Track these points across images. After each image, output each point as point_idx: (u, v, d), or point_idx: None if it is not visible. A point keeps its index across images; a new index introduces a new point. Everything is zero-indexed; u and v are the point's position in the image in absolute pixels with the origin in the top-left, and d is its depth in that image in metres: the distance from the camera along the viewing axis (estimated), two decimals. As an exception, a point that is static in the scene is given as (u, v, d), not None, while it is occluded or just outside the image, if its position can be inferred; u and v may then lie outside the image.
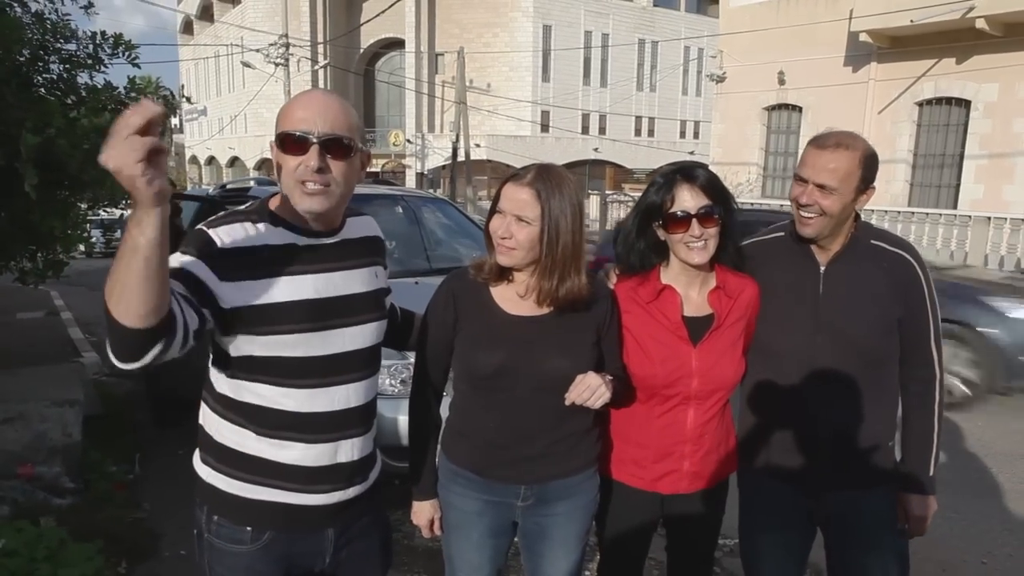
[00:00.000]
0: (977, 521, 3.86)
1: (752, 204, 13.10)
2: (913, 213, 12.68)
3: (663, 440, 1.90)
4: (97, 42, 4.14)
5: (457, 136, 28.55)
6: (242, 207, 1.58)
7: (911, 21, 12.76)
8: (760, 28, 15.76)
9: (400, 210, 5.17)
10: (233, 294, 1.43)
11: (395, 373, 3.36)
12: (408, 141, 36.31)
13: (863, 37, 13.89)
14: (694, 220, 1.77)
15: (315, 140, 1.44)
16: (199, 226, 1.49)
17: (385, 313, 1.72)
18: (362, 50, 39.31)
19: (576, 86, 38.51)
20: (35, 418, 3.81)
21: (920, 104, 13.98)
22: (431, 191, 14.79)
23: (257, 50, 26.36)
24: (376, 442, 1.75)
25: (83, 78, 4.20)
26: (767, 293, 1.93)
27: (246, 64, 27.58)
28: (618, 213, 19.88)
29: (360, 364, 1.61)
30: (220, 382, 1.55)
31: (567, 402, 1.66)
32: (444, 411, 1.91)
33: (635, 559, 2.06)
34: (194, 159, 51.70)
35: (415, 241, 4.93)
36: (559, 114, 37.46)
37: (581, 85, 38.86)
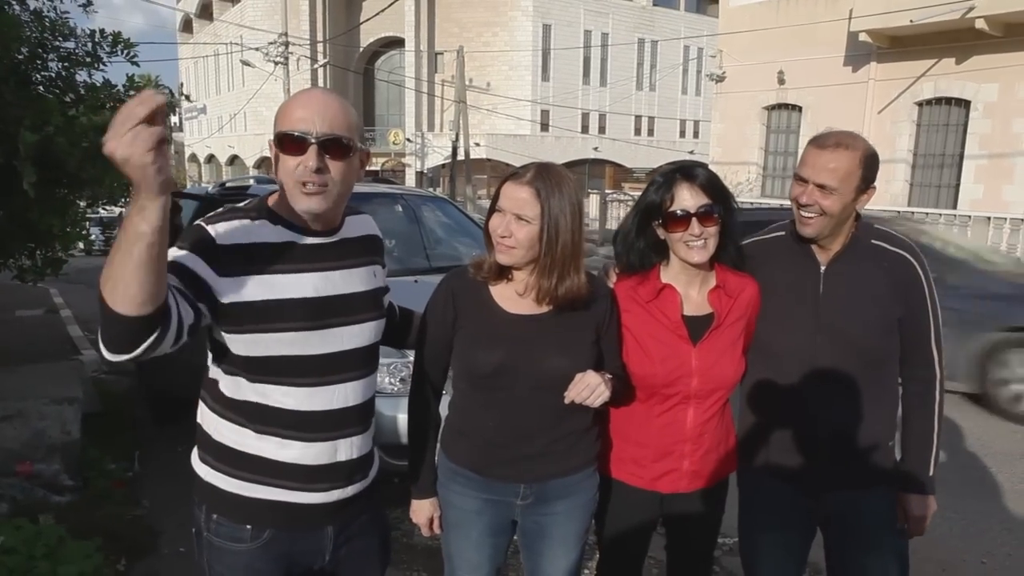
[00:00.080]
0: (976, 521, 3.86)
1: (755, 203, 13.11)
2: (913, 213, 12.68)
3: (663, 439, 1.90)
4: (96, 40, 4.15)
5: (457, 135, 28.54)
6: (240, 204, 1.58)
7: (911, 21, 12.76)
8: (760, 28, 15.76)
9: (400, 209, 5.17)
10: (231, 289, 1.43)
11: (395, 371, 3.36)
12: (408, 140, 36.29)
13: (863, 37, 13.89)
14: (694, 219, 1.77)
15: (314, 140, 1.43)
16: (197, 222, 1.48)
17: (384, 312, 1.72)
18: (362, 49, 39.30)
19: (576, 85, 38.52)
20: (34, 416, 3.81)
21: (920, 104, 13.99)
22: (431, 190, 14.81)
23: (256, 48, 26.34)
24: (375, 440, 1.74)
25: (82, 76, 4.20)
26: (767, 292, 1.93)
27: (245, 63, 27.55)
28: (618, 212, 19.90)
29: (359, 363, 1.61)
30: (219, 381, 1.55)
31: (566, 401, 1.66)
32: (443, 409, 1.91)
33: (634, 558, 2.06)
34: (193, 157, 51.68)
35: (415, 240, 4.93)
36: (559, 113, 37.46)
37: (581, 84, 38.87)
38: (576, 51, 37.61)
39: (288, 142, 1.45)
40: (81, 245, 4.81)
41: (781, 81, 15.84)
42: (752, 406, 2.03)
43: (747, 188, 16.32)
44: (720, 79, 17.22)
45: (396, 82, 37.24)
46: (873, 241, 1.93)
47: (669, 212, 1.79)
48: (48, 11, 4.10)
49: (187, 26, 51.25)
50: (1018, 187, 12.72)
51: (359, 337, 1.60)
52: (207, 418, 1.58)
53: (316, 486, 1.56)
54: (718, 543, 2.16)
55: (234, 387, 1.52)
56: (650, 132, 41.73)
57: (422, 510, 1.89)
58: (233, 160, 44.73)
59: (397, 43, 38.48)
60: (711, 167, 1.90)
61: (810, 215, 1.85)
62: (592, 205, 20.79)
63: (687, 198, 1.78)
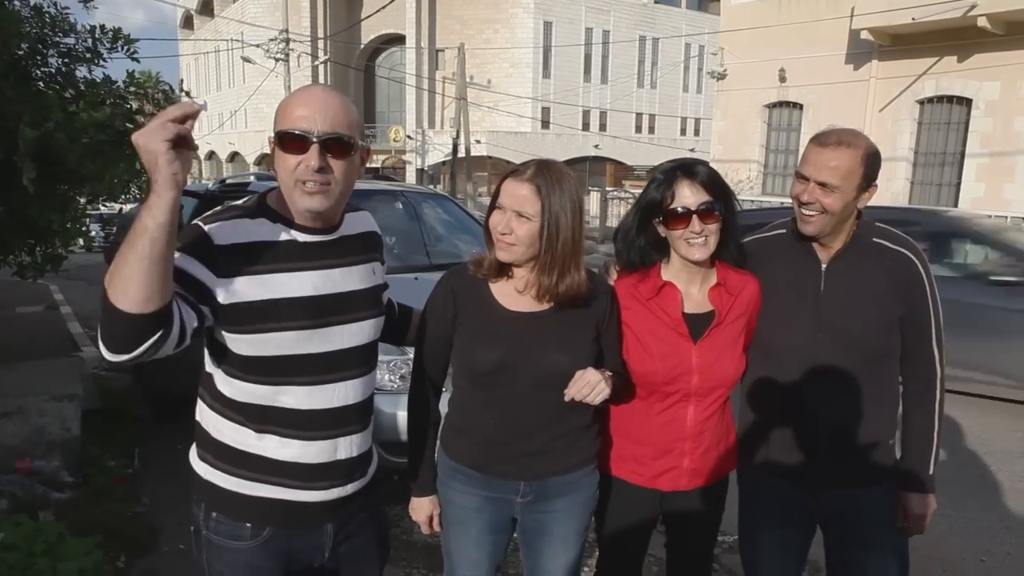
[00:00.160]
0: (976, 519, 3.86)
1: (756, 202, 13.10)
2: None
3: (663, 437, 1.90)
4: (96, 36, 4.14)
5: (457, 132, 28.53)
6: (239, 202, 1.57)
7: (912, 19, 12.74)
8: (761, 25, 15.74)
9: (400, 206, 5.17)
10: (230, 290, 1.42)
11: (394, 369, 3.36)
12: (408, 137, 36.26)
13: (864, 35, 13.87)
14: (694, 216, 1.76)
15: (315, 139, 1.43)
16: (195, 221, 1.47)
17: (383, 309, 1.71)
18: (362, 46, 39.26)
19: (577, 82, 38.47)
20: (34, 412, 3.81)
21: (921, 102, 13.97)
22: (431, 187, 14.80)
23: (257, 45, 26.34)
24: (375, 437, 1.74)
25: (82, 72, 4.19)
26: (768, 290, 1.92)
27: (246, 59, 27.57)
28: (618, 210, 19.90)
29: (358, 361, 1.61)
30: (218, 380, 1.54)
31: (566, 398, 1.66)
32: (443, 407, 1.90)
33: (634, 555, 2.06)
34: (195, 154, 51.54)
35: (415, 237, 4.93)
36: (559, 110, 37.43)
37: (582, 82, 38.83)
38: (577, 48, 37.57)
39: (289, 140, 1.44)
40: (81, 241, 4.80)
41: (782, 79, 15.82)
42: (752, 404, 2.03)
43: (748, 186, 16.32)
44: (721, 77, 17.21)
45: (397, 79, 37.20)
46: (874, 239, 1.92)
47: (670, 209, 1.78)
48: (48, 7, 4.09)
49: (188, 22, 51.20)
50: (1019, 186, 12.71)
51: (358, 335, 1.60)
52: (206, 416, 1.58)
53: (316, 484, 1.56)
54: (718, 541, 2.16)
55: (233, 386, 1.52)
56: (651, 130, 41.69)
57: (422, 508, 1.89)
58: (233, 157, 44.71)
59: (398, 40, 38.43)
60: (712, 165, 1.89)
61: (811, 213, 1.85)
62: (593, 203, 20.79)
63: (688, 195, 1.77)
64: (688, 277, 1.88)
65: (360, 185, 4.92)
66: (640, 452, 1.92)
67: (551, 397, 1.70)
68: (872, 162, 1.83)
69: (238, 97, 40.71)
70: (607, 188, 24.30)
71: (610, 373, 1.72)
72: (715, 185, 1.80)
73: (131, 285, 1.18)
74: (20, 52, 3.87)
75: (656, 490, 1.93)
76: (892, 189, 13.85)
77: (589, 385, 1.64)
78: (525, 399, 1.75)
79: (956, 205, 13.12)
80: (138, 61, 4.34)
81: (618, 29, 39.26)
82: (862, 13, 13.67)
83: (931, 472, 1.93)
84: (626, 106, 39.77)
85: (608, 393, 1.67)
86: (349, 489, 1.62)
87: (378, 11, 26.89)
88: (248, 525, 1.54)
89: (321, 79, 34.32)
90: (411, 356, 1.93)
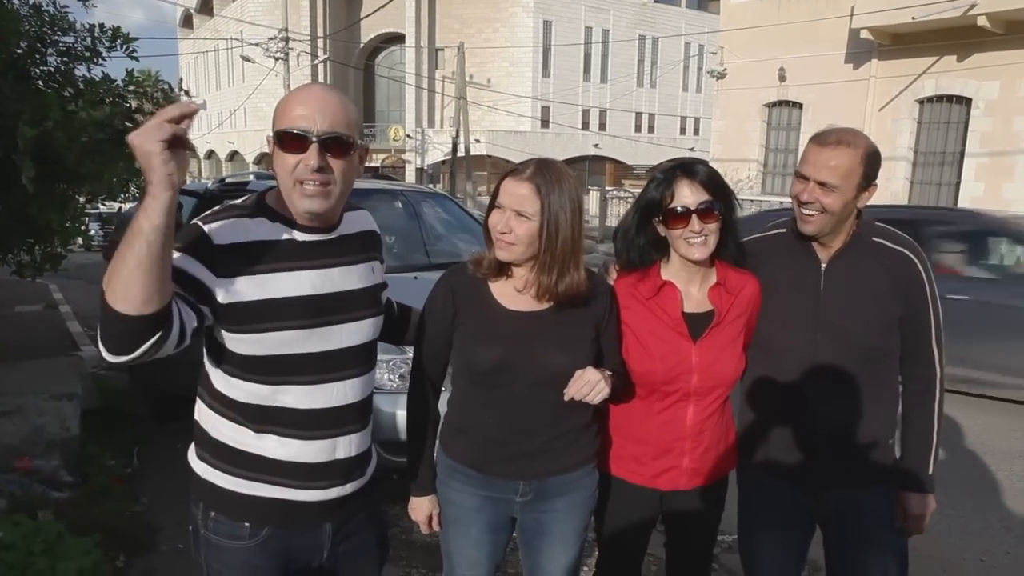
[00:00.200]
0: (976, 519, 3.86)
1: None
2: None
3: (663, 436, 1.89)
4: (95, 35, 4.13)
5: (457, 131, 28.51)
6: (238, 201, 1.56)
7: (912, 18, 12.75)
8: (761, 24, 15.74)
9: (399, 205, 5.16)
10: (229, 289, 1.42)
11: (394, 368, 3.36)
12: (408, 136, 36.24)
13: (864, 34, 13.87)
14: (694, 216, 1.76)
15: (315, 139, 1.42)
16: (194, 221, 1.47)
17: (382, 309, 1.71)
18: (362, 45, 39.25)
19: (576, 82, 38.46)
20: (33, 411, 3.80)
21: (921, 101, 13.97)
22: (431, 186, 14.78)
23: (257, 44, 26.31)
24: (374, 437, 1.74)
25: (81, 71, 4.19)
26: (768, 290, 1.92)
27: (246, 58, 27.55)
28: (618, 209, 19.90)
29: (357, 360, 1.60)
30: (217, 379, 1.54)
31: (566, 397, 1.66)
32: (442, 406, 1.90)
33: (634, 555, 2.05)
34: (193, 153, 51.58)
35: (414, 236, 4.93)
36: (559, 110, 37.42)
37: (581, 81, 38.82)
38: (577, 47, 37.56)
39: (288, 140, 1.44)
40: (80, 240, 4.79)
41: (782, 78, 15.82)
42: (752, 403, 2.03)
43: (747, 185, 16.32)
44: (721, 76, 17.21)
45: (396, 78, 37.19)
46: (874, 239, 1.92)
47: (669, 209, 1.78)
48: (47, 5, 4.09)
49: (187, 21, 51.17)
50: (1019, 185, 12.71)
51: (358, 334, 1.60)
52: (205, 416, 1.57)
53: (314, 484, 1.56)
54: (717, 540, 2.15)
55: (232, 385, 1.51)
56: (650, 129, 41.68)
57: (421, 507, 1.89)
58: (233, 156, 44.69)
59: (398, 39, 38.42)
60: (712, 164, 1.89)
61: (811, 213, 1.85)
62: (592, 202, 20.80)
63: (687, 195, 1.77)
64: (688, 276, 1.87)
65: (359, 184, 4.91)
66: (640, 451, 1.92)
67: (551, 396, 1.70)
68: (872, 161, 1.83)
69: (237, 96, 40.69)
70: (606, 187, 24.31)
71: (610, 372, 1.72)
72: (715, 184, 1.79)
73: (129, 287, 1.18)
74: (19, 51, 3.86)
75: (656, 489, 1.93)
76: (892, 188, 13.85)
77: (589, 384, 1.64)
78: (525, 398, 1.75)
79: (956, 204, 13.12)
80: (137, 60, 4.33)
81: (618, 28, 39.25)
82: (862, 12, 13.67)
83: (930, 472, 1.93)
84: (626, 105, 39.76)
85: (608, 392, 1.67)
86: (348, 489, 1.62)
87: (377, 10, 26.93)
88: (246, 524, 1.54)
89: (321, 78, 34.28)
90: (410, 355, 1.93)
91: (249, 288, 1.43)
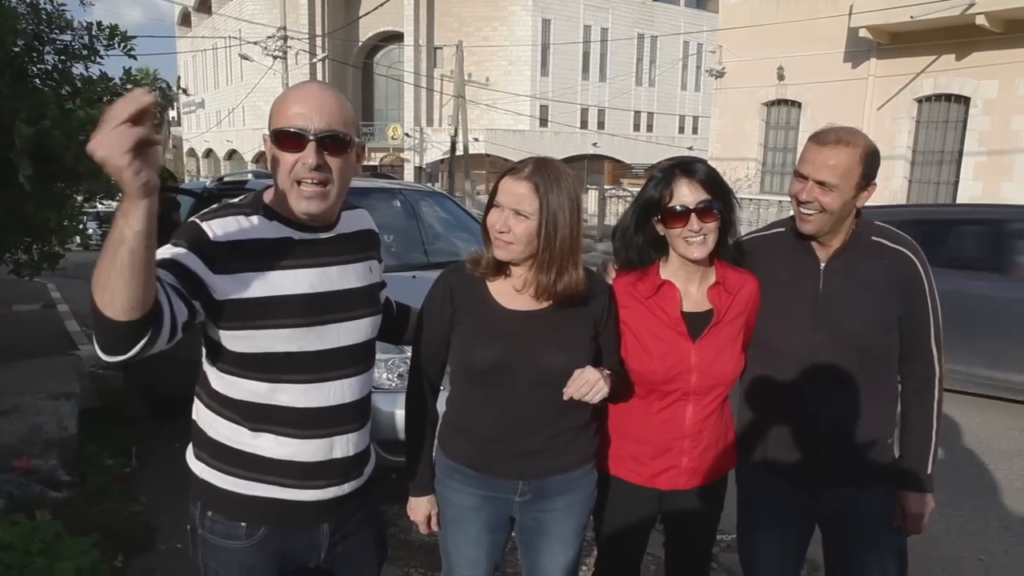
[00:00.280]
0: (975, 518, 3.87)
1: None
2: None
3: (662, 436, 1.89)
4: (93, 33, 4.11)
5: (456, 130, 28.50)
6: (235, 200, 1.56)
7: (911, 17, 12.76)
8: (759, 23, 15.74)
9: (398, 204, 5.16)
10: (226, 286, 1.41)
11: (392, 367, 3.35)
12: (406, 135, 36.23)
13: (863, 33, 13.88)
14: (693, 215, 1.76)
15: (312, 137, 1.42)
16: (192, 219, 1.47)
17: (380, 308, 1.71)
18: (360, 43, 39.21)
19: (575, 80, 38.44)
20: (31, 411, 3.79)
21: (919, 100, 13.99)
22: (429, 185, 14.79)
23: (255, 43, 26.27)
24: (373, 436, 1.73)
25: (78, 69, 4.17)
26: (767, 289, 1.92)
27: (244, 57, 27.53)
28: (616, 208, 19.90)
29: (355, 359, 1.60)
30: (214, 378, 1.53)
31: (565, 397, 1.65)
32: (441, 406, 1.90)
33: (633, 554, 2.05)
34: (192, 152, 51.57)
35: (413, 235, 4.92)
36: (558, 108, 37.40)
37: (580, 79, 38.80)
38: (575, 46, 37.54)
39: (285, 138, 1.43)
40: (78, 239, 4.78)
41: (781, 77, 15.83)
42: (751, 403, 2.02)
43: (746, 184, 16.33)
44: (719, 75, 17.21)
45: (395, 77, 37.18)
46: (874, 238, 1.92)
47: (668, 208, 1.78)
48: (45, 3, 4.07)
49: (186, 20, 51.10)
50: (1017, 184, 12.72)
51: (355, 333, 1.59)
52: (202, 415, 1.57)
53: (312, 483, 1.55)
54: (716, 540, 2.15)
55: (229, 384, 1.51)
56: (649, 128, 41.69)
57: (419, 507, 1.88)
58: (231, 155, 44.64)
59: (396, 37, 38.39)
60: (710, 163, 1.89)
61: (810, 212, 1.84)
62: (591, 201, 20.79)
63: (686, 194, 1.76)
64: (687, 276, 1.87)
65: (358, 183, 4.91)
66: (639, 451, 1.92)
67: (550, 396, 1.70)
68: (871, 161, 1.83)
69: (236, 95, 40.66)
70: (605, 186, 24.32)
71: (608, 372, 1.72)
72: (714, 183, 1.79)
73: (115, 295, 1.17)
74: (16, 49, 3.84)
75: (655, 489, 1.93)
76: (890, 187, 13.87)
77: (588, 384, 1.64)
78: (524, 398, 1.75)
79: (954, 203, 13.14)
80: (135, 58, 4.32)
81: (616, 27, 39.24)
82: (860, 11, 13.68)
83: (929, 472, 1.92)
84: (624, 104, 39.76)
85: (607, 392, 1.67)
86: (346, 488, 1.62)
87: (376, 8, 26.90)
88: (243, 524, 1.53)
89: (319, 76, 34.25)
90: (409, 355, 1.92)
91: (246, 285, 1.43)
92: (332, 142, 1.44)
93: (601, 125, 39.90)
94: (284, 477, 1.53)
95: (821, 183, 1.80)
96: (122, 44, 4.18)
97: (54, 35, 4.07)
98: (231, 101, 41.95)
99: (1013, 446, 5.01)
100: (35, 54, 4.02)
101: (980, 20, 12.17)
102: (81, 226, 4.69)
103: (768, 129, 16.70)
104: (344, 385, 1.57)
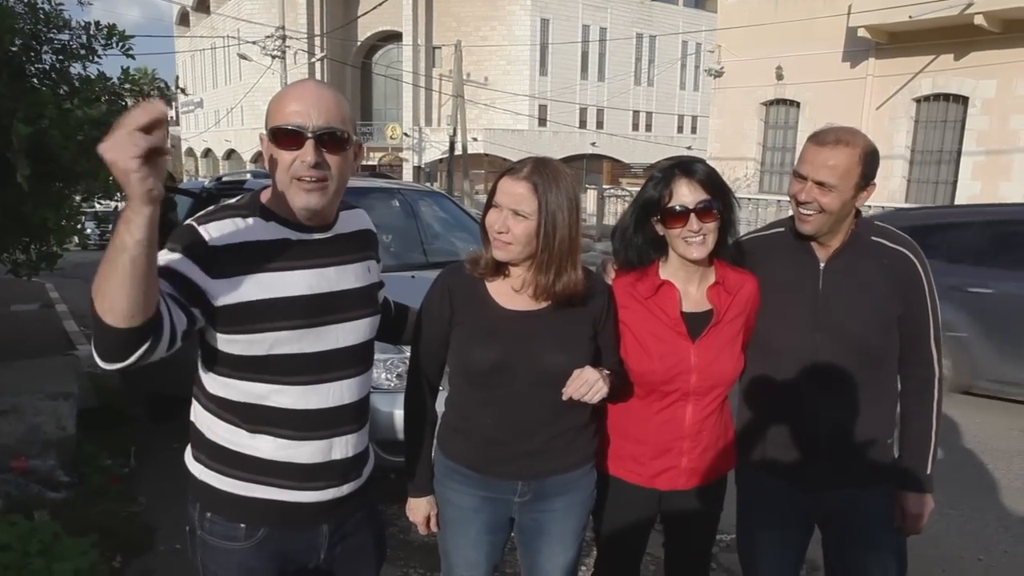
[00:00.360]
0: (974, 518, 3.87)
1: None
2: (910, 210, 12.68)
3: (661, 436, 1.89)
4: (91, 32, 4.11)
5: (454, 130, 28.50)
6: (232, 201, 1.55)
7: (909, 17, 12.77)
8: (758, 23, 15.74)
9: (397, 203, 5.16)
10: (225, 291, 1.40)
11: (391, 367, 3.35)
12: (405, 135, 36.23)
13: (861, 33, 13.89)
14: (692, 215, 1.75)
15: (310, 134, 1.41)
16: (188, 221, 1.46)
17: (378, 308, 1.70)
18: (359, 43, 39.18)
19: (574, 80, 38.44)
20: (29, 411, 3.79)
21: (918, 100, 14.00)
22: (428, 185, 14.80)
23: (254, 42, 26.26)
24: (372, 436, 1.73)
25: (76, 69, 4.16)
26: (767, 289, 1.92)
27: (243, 56, 27.50)
28: (615, 208, 19.89)
29: (354, 360, 1.59)
30: (212, 380, 1.53)
31: (564, 397, 1.65)
32: (440, 406, 1.89)
33: (632, 555, 2.05)
34: (190, 152, 51.56)
35: (412, 235, 4.92)
36: (556, 108, 37.40)
37: (579, 79, 38.80)
38: (574, 46, 37.55)
39: (283, 136, 1.42)
40: (76, 239, 4.77)
41: (779, 76, 15.83)
42: (751, 403, 2.02)
43: (745, 183, 16.34)
44: (718, 74, 17.22)
45: (394, 76, 37.16)
46: (873, 238, 1.92)
47: (668, 208, 1.77)
48: (42, 3, 4.06)
49: (184, 19, 51.06)
50: (1016, 183, 12.74)
51: (354, 334, 1.58)
52: (200, 417, 1.56)
53: (311, 485, 1.55)
54: (716, 540, 2.15)
55: (227, 387, 1.50)
56: (648, 127, 41.70)
57: (419, 508, 1.88)
58: (230, 154, 44.61)
59: (395, 37, 38.38)
60: (709, 162, 1.88)
61: (809, 212, 1.84)
62: (589, 201, 20.78)
63: (686, 194, 1.76)
64: (686, 276, 1.87)
65: (357, 183, 4.91)
66: (638, 451, 1.91)
67: (549, 396, 1.70)
68: (870, 161, 1.82)
69: (234, 94, 40.63)
70: (604, 186, 24.30)
71: (608, 372, 1.72)
72: (713, 183, 1.79)
73: (116, 302, 1.17)
74: (14, 48, 3.84)
75: (654, 489, 1.93)
76: (889, 187, 13.88)
77: (587, 384, 1.64)
78: (523, 398, 1.74)
79: (953, 203, 13.15)
80: (133, 58, 4.31)
81: (615, 26, 39.25)
82: (859, 11, 13.69)
83: (928, 472, 1.92)
84: (623, 104, 39.77)
85: (606, 392, 1.67)
86: (345, 489, 1.61)
87: (375, 8, 26.86)
88: (242, 526, 1.53)
89: (317, 76, 34.22)
90: (408, 355, 1.92)
91: (245, 289, 1.42)
92: (330, 139, 1.43)
93: (600, 125, 39.91)
94: (283, 478, 1.52)
95: (820, 183, 1.80)
96: (120, 44, 4.17)
97: (52, 34, 4.06)
98: (229, 101, 41.91)
99: (1012, 446, 5.01)
100: (33, 53, 4.01)
101: (978, 20, 12.18)
102: (79, 226, 4.68)
103: (767, 129, 16.71)
104: (343, 386, 1.56)
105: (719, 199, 1.78)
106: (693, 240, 1.77)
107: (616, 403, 1.90)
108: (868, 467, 1.92)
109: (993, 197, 12.54)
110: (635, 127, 41.10)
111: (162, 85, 4.49)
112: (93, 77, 4.12)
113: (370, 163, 33.64)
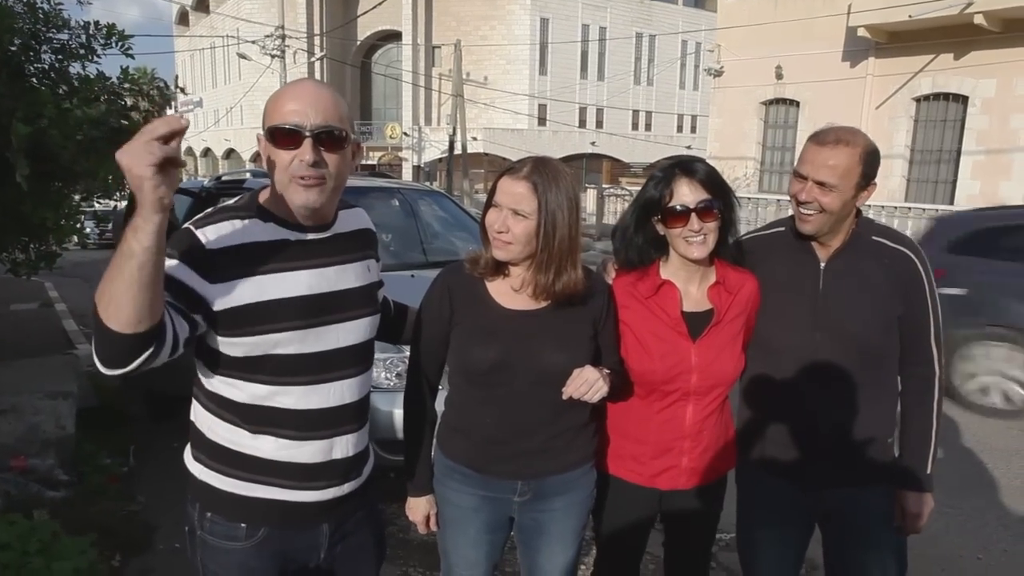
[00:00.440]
0: (973, 517, 3.87)
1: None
2: (910, 209, 12.69)
3: (662, 436, 1.89)
4: (90, 32, 4.10)
5: (454, 129, 28.49)
6: (231, 202, 1.55)
7: (909, 16, 12.77)
8: (758, 22, 15.74)
9: (396, 203, 5.16)
10: (224, 295, 1.40)
11: (390, 367, 3.35)
12: (405, 134, 36.21)
13: (861, 32, 13.89)
14: (693, 214, 1.75)
15: (308, 133, 1.41)
16: (186, 225, 1.45)
17: (378, 307, 1.70)
18: (359, 42, 39.16)
19: (573, 79, 38.44)
20: (28, 410, 3.78)
21: (918, 100, 14.00)
22: (427, 184, 14.80)
23: (253, 42, 26.22)
24: (371, 436, 1.73)
25: (75, 68, 4.16)
26: (767, 288, 1.92)
27: (242, 56, 27.46)
28: (615, 207, 19.87)
29: (354, 360, 1.59)
30: (212, 380, 1.52)
31: (564, 396, 1.65)
32: (439, 405, 1.89)
33: (632, 554, 2.05)
34: (190, 151, 51.52)
35: (411, 234, 4.92)
36: (556, 107, 37.40)
37: (578, 79, 38.80)
38: (574, 45, 37.55)
39: (281, 136, 1.42)
40: (75, 239, 4.77)
41: (779, 76, 15.83)
42: (751, 402, 2.02)
43: (744, 183, 16.33)
44: (718, 74, 17.21)
45: (393, 76, 37.15)
46: (874, 237, 1.92)
47: (668, 207, 1.77)
48: (42, 2, 4.06)
49: (183, 19, 51.05)
50: (1015, 183, 12.74)
51: (354, 334, 1.58)
52: (200, 417, 1.56)
53: (311, 484, 1.55)
54: (716, 539, 2.15)
55: (228, 387, 1.50)
56: (648, 127, 41.69)
57: (418, 507, 1.88)
58: (229, 154, 44.60)
59: (394, 36, 38.36)
60: (708, 162, 1.88)
61: (809, 212, 1.84)
62: (589, 200, 20.77)
63: (686, 193, 1.76)
64: (687, 275, 1.87)
65: (356, 182, 4.91)
66: (639, 451, 1.91)
67: (549, 395, 1.70)
68: (871, 160, 1.82)
69: (234, 94, 40.60)
70: (604, 185, 24.29)
71: (608, 371, 1.71)
72: (714, 183, 1.78)
73: (122, 308, 1.17)
74: (13, 48, 3.83)
75: (654, 489, 1.92)
76: (889, 187, 13.88)
77: (587, 383, 1.64)
78: (523, 397, 1.74)
79: (952, 203, 13.16)
80: (132, 57, 4.30)
81: (615, 26, 39.24)
82: (859, 10, 13.69)
83: (928, 471, 1.92)
84: (623, 103, 39.76)
85: (606, 391, 1.67)
86: (345, 489, 1.61)
87: (374, 7, 26.86)
88: (243, 525, 1.53)
89: (317, 76, 34.21)
90: (407, 354, 1.92)
91: (244, 291, 1.42)
92: (328, 138, 1.43)
93: (599, 124, 39.91)
94: (284, 478, 1.52)
95: (820, 183, 1.80)
96: (119, 43, 4.17)
97: (51, 34, 4.05)
98: (229, 100, 41.88)
99: (1011, 445, 5.01)
100: (32, 53, 4.01)
101: (978, 19, 12.18)
102: (79, 225, 4.68)
103: (766, 128, 16.71)
104: (344, 386, 1.56)
105: (720, 198, 1.78)
106: (694, 240, 1.77)
107: (616, 402, 1.90)
108: (868, 466, 1.92)
109: (993, 197, 12.55)
110: (635, 126, 41.09)
111: (161, 84, 4.48)
112: (92, 77, 4.11)
113: (370, 162, 33.65)
